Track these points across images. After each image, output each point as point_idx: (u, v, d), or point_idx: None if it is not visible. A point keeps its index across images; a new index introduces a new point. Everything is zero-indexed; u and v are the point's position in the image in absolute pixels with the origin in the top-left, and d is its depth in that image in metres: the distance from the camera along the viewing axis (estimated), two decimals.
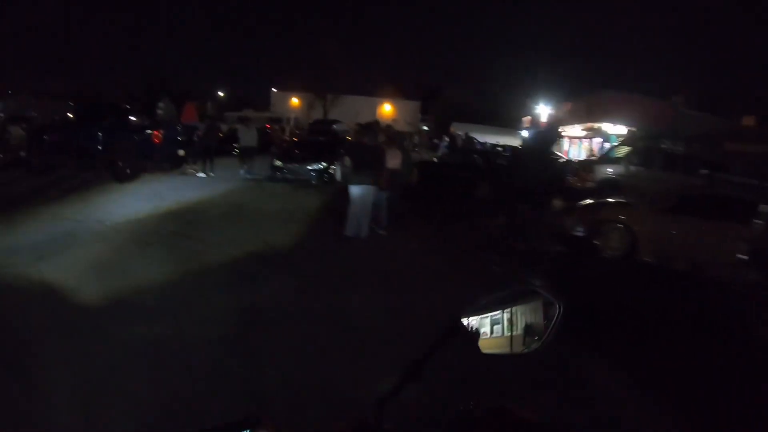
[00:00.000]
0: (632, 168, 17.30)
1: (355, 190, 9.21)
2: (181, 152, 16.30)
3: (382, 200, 9.86)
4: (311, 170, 15.94)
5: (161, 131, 15.67)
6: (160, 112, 21.60)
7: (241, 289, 6.49)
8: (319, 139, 20.06)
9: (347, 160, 9.98)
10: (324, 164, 15.87)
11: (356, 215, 9.32)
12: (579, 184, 18.18)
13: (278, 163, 16.26)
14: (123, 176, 14.15)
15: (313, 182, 15.68)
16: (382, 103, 55.72)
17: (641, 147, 18.07)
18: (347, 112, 41.69)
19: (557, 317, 1.26)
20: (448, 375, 2.89)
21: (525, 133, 42.18)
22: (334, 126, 30.17)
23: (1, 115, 22.78)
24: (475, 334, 1.32)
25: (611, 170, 17.76)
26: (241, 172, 16.96)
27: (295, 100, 53.64)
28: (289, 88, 53.51)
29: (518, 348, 1.30)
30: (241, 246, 8.50)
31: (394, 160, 10.09)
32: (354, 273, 7.65)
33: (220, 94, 53.02)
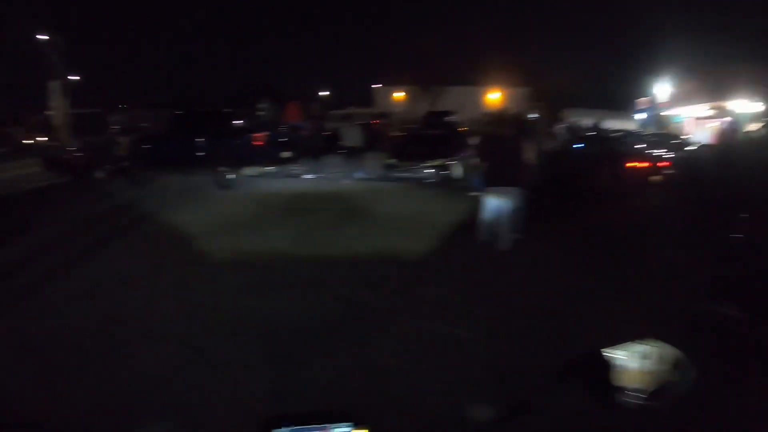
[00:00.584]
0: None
1: (492, 195, 7.60)
2: (286, 154, 15.01)
3: (521, 201, 7.81)
4: (428, 167, 14.20)
5: (264, 134, 14.51)
6: (262, 113, 20.61)
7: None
8: (434, 133, 18.02)
9: (474, 159, 8.39)
10: (442, 160, 14.06)
11: (492, 222, 7.68)
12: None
13: (391, 160, 14.58)
14: (225, 182, 13.37)
15: (431, 181, 13.91)
16: (488, 92, 53.36)
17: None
18: (452, 104, 39.60)
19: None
20: None
21: (640, 116, 38.76)
22: (448, 118, 27.47)
23: (117, 127, 22.78)
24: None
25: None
26: (350, 172, 15.42)
27: (398, 95, 52.37)
28: (391, 82, 52.30)
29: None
30: (368, 253, 7.58)
31: (529, 154, 8.03)
32: (491, 290, 6.13)
33: (323, 93, 52.40)
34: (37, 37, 29.29)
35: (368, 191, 12.90)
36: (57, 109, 27.32)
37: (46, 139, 24.49)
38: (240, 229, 9.20)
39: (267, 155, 14.44)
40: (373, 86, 55.15)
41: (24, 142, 28.03)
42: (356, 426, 1.22)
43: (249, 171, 14.33)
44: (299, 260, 7.36)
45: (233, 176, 13.68)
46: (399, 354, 4.52)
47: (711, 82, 27.53)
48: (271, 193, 12.78)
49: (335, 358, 4.40)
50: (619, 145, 16.35)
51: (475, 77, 52.01)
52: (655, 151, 17.94)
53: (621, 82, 49.07)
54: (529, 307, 5.54)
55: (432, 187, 13.41)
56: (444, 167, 13.86)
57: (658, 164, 14.24)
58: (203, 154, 13.89)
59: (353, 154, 15.62)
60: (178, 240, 8.52)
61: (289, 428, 1.22)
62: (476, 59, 51.12)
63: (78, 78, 32.69)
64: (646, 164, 13.88)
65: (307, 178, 15.03)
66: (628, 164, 13.61)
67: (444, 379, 4.06)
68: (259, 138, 14.26)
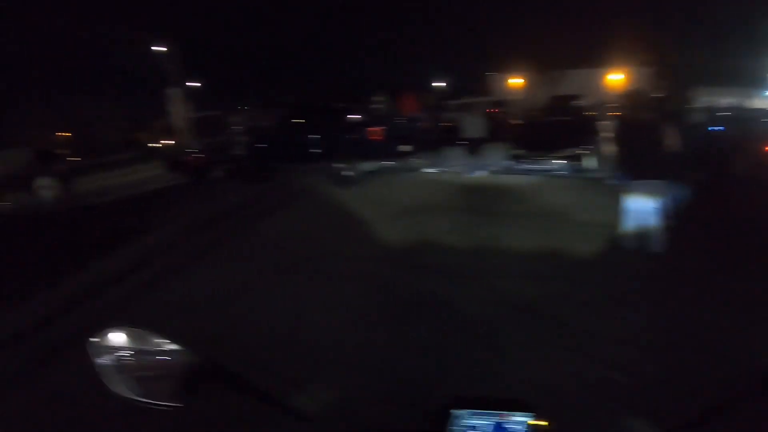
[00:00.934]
0: None
1: (636, 189, 6.68)
2: (405, 147, 14.27)
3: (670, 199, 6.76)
4: (558, 158, 12.97)
5: (380, 127, 13.88)
6: (377, 107, 19.97)
7: None
8: (562, 120, 16.71)
9: (613, 149, 7.27)
10: (575, 150, 12.78)
11: (640, 221, 6.73)
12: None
13: (517, 152, 13.44)
14: (343, 179, 12.98)
15: (564, 173, 12.66)
16: (610, 73, 50.35)
17: None
18: (572, 88, 37.39)
19: None
20: None
21: None
22: (575, 102, 24.75)
23: (237, 128, 23.10)
24: None
25: None
26: (473, 164, 14.22)
27: (514, 81, 50.56)
28: (506, 68, 50.52)
29: None
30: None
31: (673, 139, 6.79)
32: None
33: (438, 84, 51.52)
34: (156, 48, 31.65)
35: (497, 185, 12.03)
36: (178, 113, 28.84)
37: (170, 142, 25.45)
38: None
39: (384, 149, 13.83)
40: (488, 73, 53.58)
41: (150, 145, 29.29)
42: (536, 418, 1.18)
43: (367, 166, 13.75)
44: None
45: (351, 173, 13.23)
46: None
47: None
48: (392, 189, 12.19)
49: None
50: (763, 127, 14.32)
51: (596, 58, 49.29)
52: None
53: (757, 57, 44.69)
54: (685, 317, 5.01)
55: (567, 180, 12.19)
56: (576, 157, 12.61)
57: None
58: (319, 150, 13.70)
59: (474, 145, 14.57)
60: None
61: (469, 411, 1.21)
62: (596, 38, 48.29)
63: (198, 84, 34.35)
64: None
65: (428, 171, 14.24)
66: None
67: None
68: (376, 132, 13.68)
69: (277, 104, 30.15)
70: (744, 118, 16.24)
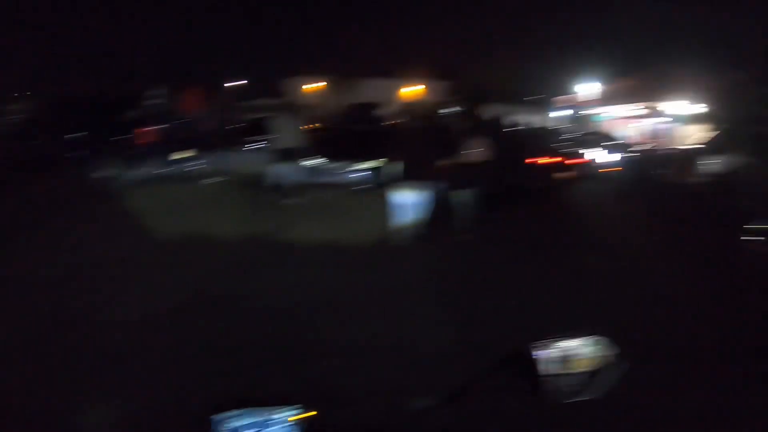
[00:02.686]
0: (750, 159, 13.93)
1: (408, 190, 7.83)
2: (183, 152, 12.18)
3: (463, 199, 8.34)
4: (360, 171, 11.93)
5: (155, 128, 11.75)
6: (154, 102, 17.13)
7: None
8: (361, 129, 15.74)
9: (398, 155, 8.20)
10: (375, 161, 11.76)
11: (413, 219, 7.92)
12: (679, 178, 14.76)
13: (312, 162, 12.07)
14: (105, 189, 10.59)
15: (365, 186, 11.63)
16: (405, 85, 52.15)
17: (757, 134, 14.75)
18: (371, 97, 37.52)
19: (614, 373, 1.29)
20: None
21: (560, 113, 38.74)
22: (375, 110, 24.73)
23: None
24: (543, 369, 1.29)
25: (719, 161, 14.50)
26: (265, 173, 11.64)
27: (311, 86, 50.04)
28: (306, 72, 49.82)
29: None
30: None
31: (478, 148, 8.42)
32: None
33: (234, 82, 48.97)
34: None
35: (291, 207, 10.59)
36: None
37: None
38: None
39: (157, 153, 11.63)
40: (287, 77, 52.43)
41: None
42: (304, 410, 1.22)
43: (134, 173, 11.35)
44: None
45: (116, 181, 10.90)
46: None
47: (644, 83, 27.04)
48: (152, 203, 9.95)
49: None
50: (536, 141, 16.22)
51: (394, 69, 50.65)
52: (588, 150, 19.01)
53: (542, 79, 49.32)
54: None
55: (361, 184, 11.72)
56: (377, 169, 11.61)
57: (570, 161, 14.95)
58: (76, 153, 11.38)
59: (268, 151, 12.78)
60: None
61: (231, 413, 1.20)
62: (395, 51, 49.53)
63: None
64: (557, 160, 14.20)
65: (209, 182, 12.23)
66: (541, 161, 13.64)
67: (395, 366, 4.23)
68: (148, 133, 11.47)
69: (24, 96, 25.59)
70: (522, 133, 18.09)
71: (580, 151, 19.42)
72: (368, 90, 43.89)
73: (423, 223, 8.07)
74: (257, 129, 13.70)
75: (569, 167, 15.12)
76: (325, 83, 48.58)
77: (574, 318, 5.17)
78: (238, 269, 6.82)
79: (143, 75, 32.18)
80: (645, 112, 29.07)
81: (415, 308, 5.63)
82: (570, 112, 40.17)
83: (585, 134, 28.03)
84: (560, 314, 5.40)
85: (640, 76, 27.46)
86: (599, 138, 24.41)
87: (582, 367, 1.30)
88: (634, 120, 31.54)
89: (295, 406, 1.22)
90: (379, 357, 4.43)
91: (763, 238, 7.15)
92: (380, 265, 7.13)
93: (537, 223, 10.18)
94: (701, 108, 23.19)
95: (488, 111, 35.14)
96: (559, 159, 14.67)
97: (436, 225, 8.30)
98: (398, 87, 49.60)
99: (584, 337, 1.34)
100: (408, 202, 7.87)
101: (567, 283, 6.58)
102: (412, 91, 50.85)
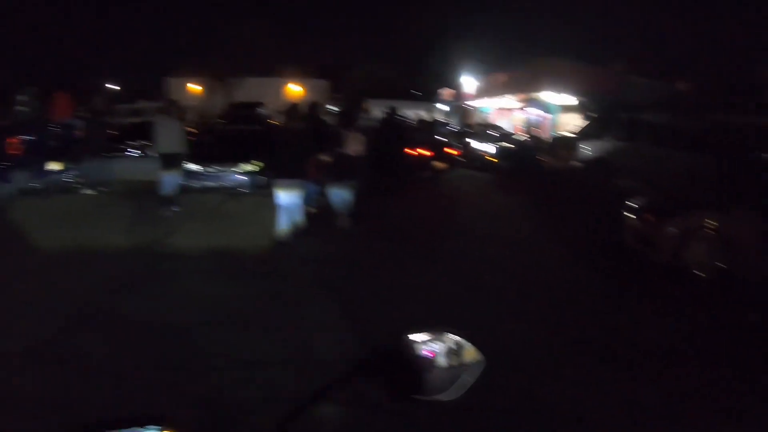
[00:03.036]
0: (619, 144, 14.99)
1: (281, 189, 7.96)
2: (54, 165, 11.57)
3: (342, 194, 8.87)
4: (240, 173, 11.81)
5: (21, 136, 11.06)
6: (21, 108, 16.05)
7: None
8: (244, 129, 15.21)
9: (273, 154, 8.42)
10: (256, 163, 11.75)
11: (287, 217, 8.13)
12: (557, 164, 15.66)
13: (193, 166, 11.65)
14: None
15: (246, 190, 11.56)
16: (288, 83, 51.62)
17: (626, 120, 15.62)
18: (251, 96, 36.71)
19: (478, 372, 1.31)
20: None
21: (444, 107, 39.59)
22: (259, 110, 23.63)
23: None
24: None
25: (593, 146, 15.56)
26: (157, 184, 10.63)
27: (193, 87, 48.37)
28: (185, 73, 48.03)
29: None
30: None
31: (354, 145, 8.91)
32: None
33: (112, 86, 46.56)
34: None
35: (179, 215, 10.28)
36: None
37: None
38: None
39: (27, 165, 10.99)
40: (166, 78, 50.24)
41: None
42: (163, 428, 1.14)
43: (4, 187, 10.57)
44: None
45: None
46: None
47: (520, 75, 27.91)
48: (27, 218, 9.42)
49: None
50: (415, 135, 16.42)
51: (276, 68, 50.00)
52: (470, 141, 20.98)
53: (427, 74, 50.29)
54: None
55: (248, 197, 11.33)
56: (260, 172, 11.55)
57: (445, 151, 16.31)
58: None
59: (169, 162, 12.05)
60: None
61: None
62: (277, 49, 48.87)
63: None
64: (435, 152, 15.52)
65: (88, 194, 11.76)
66: (418, 151, 14.70)
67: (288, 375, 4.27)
68: (13, 144, 10.83)
69: None
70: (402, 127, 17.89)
71: (463, 142, 20.39)
72: (251, 89, 43.17)
73: (305, 220, 8.38)
74: (137, 134, 13.19)
75: (448, 158, 16.34)
76: (206, 84, 47.21)
77: (445, 310, 5.71)
78: (121, 284, 6.47)
79: (8, 79, 29.85)
80: (524, 103, 30.11)
81: (302, 311, 5.69)
82: (452, 104, 40.87)
83: (467, 126, 29.01)
84: (432, 306, 5.81)
85: (519, 69, 28.36)
86: (481, 129, 25.40)
87: (451, 362, 1.29)
88: (514, 111, 32.82)
89: (155, 426, 1.13)
90: (273, 367, 4.40)
91: (639, 215, 7.81)
92: (264, 269, 7.17)
93: (413, 214, 10.72)
94: (577, 98, 24.30)
95: (368, 107, 35.61)
96: (437, 151, 15.69)
97: (318, 220, 8.80)
98: (281, 86, 49.17)
99: (449, 333, 1.34)
100: (290, 201, 7.97)
101: (441, 273, 7.04)
102: (294, 89, 50.58)
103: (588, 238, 8.92)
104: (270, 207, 8.38)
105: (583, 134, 16.57)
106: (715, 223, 6.66)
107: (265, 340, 4.92)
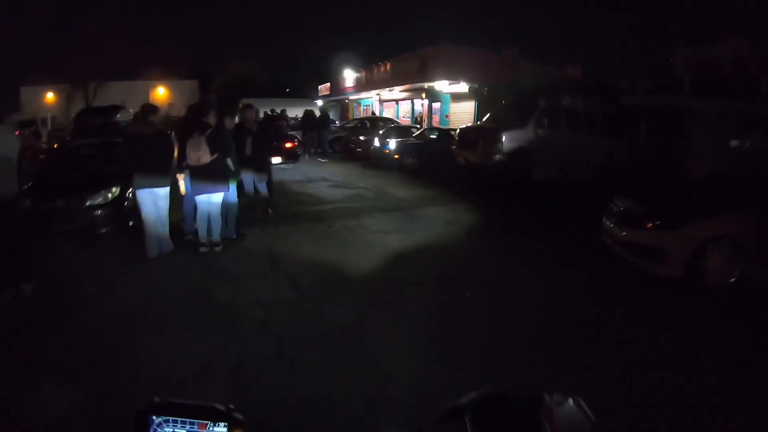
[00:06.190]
0: (541, 133, 14.70)
1: (142, 195, 7.40)
2: None
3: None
4: (91, 207, 8.72)
5: None
6: None
7: None
8: (99, 142, 11.30)
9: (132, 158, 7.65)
10: (114, 189, 8.96)
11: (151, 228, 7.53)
12: (483, 160, 14.64)
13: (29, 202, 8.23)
14: None
15: (101, 231, 8.70)
16: (154, 86, 49.26)
17: (546, 107, 15.11)
18: (116, 101, 33.32)
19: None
20: None
21: (321, 103, 38.57)
22: (119, 116, 19.30)
23: None
24: None
25: (518, 138, 14.58)
26: None
27: (51, 96, 44.67)
28: (41, 81, 44.19)
29: None
30: None
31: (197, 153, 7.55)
32: None
33: None
34: None
35: None
36: None
37: None
38: None
39: None
40: (21, 87, 46.09)
41: None
42: (231, 427, 1.11)
43: None
44: None
45: None
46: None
47: (408, 65, 26.68)
48: None
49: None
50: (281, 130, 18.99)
51: (140, 71, 47.48)
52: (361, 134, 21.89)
53: (305, 70, 49.62)
54: None
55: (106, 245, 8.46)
56: (119, 200, 8.98)
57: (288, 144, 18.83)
58: None
59: None
60: None
61: (163, 417, 1.12)
62: (140, 51, 46.55)
63: None
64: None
65: None
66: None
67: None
68: None
69: None
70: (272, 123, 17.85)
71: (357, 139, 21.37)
72: (116, 94, 40.08)
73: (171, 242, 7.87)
74: None
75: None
76: (64, 92, 43.81)
77: None
78: None
79: None
80: (410, 93, 29.24)
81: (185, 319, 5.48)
82: (330, 99, 40.36)
83: (346, 120, 28.04)
84: None
85: (406, 58, 27.19)
86: (371, 122, 24.59)
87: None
88: (400, 102, 31.92)
89: (224, 422, 1.10)
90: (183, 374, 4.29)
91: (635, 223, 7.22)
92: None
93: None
94: (468, 85, 23.54)
95: (238, 105, 34.00)
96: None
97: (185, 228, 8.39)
98: (149, 89, 46.71)
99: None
100: (153, 214, 7.47)
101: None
102: (156, 93, 48.44)
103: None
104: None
105: (499, 123, 15.60)
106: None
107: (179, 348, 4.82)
